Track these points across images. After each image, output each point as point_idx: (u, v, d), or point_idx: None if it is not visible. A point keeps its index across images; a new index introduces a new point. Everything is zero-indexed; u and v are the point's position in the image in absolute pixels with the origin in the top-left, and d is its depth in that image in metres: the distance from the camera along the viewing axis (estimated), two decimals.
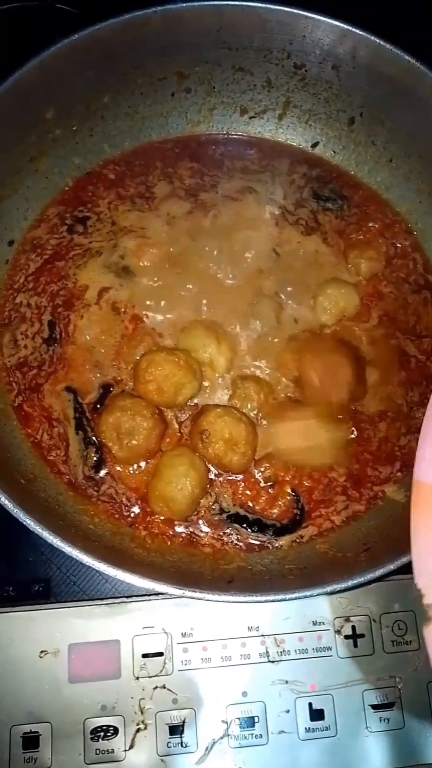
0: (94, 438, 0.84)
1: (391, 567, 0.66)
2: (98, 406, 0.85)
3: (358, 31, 0.86)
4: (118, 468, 0.84)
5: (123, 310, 0.90)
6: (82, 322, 0.89)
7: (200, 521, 0.83)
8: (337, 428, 0.83)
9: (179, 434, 0.86)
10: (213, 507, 0.83)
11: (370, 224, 0.98)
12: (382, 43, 0.85)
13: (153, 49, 0.89)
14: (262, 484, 0.84)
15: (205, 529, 0.82)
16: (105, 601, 0.83)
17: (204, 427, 0.80)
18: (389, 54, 0.86)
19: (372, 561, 0.71)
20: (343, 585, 0.64)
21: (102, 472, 0.83)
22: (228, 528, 0.82)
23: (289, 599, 0.64)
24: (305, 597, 0.64)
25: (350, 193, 1.01)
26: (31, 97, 0.83)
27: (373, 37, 0.85)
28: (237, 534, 0.82)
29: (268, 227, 0.95)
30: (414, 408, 0.89)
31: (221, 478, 0.85)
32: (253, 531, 0.82)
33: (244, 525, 0.82)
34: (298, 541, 0.82)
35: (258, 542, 0.82)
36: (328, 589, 0.64)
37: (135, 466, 0.84)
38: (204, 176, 0.98)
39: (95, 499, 0.82)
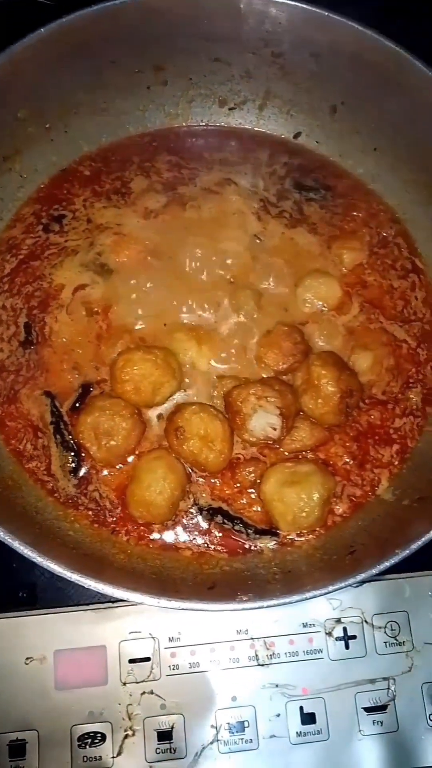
0: (71, 441, 0.82)
1: (373, 571, 0.64)
2: (77, 405, 0.83)
3: (336, 17, 0.83)
4: (98, 471, 0.82)
5: (98, 309, 0.88)
6: (58, 323, 0.87)
7: (180, 524, 0.81)
8: (330, 482, 0.80)
9: (158, 435, 0.84)
10: (191, 509, 0.82)
11: (354, 213, 0.96)
12: (362, 29, 0.82)
13: (127, 41, 0.87)
14: (248, 490, 0.82)
15: (185, 531, 0.81)
16: (91, 607, 0.82)
17: (179, 424, 0.79)
18: (371, 41, 0.83)
19: (356, 564, 0.69)
20: (323, 591, 0.63)
21: (81, 473, 0.82)
22: (208, 524, 0.80)
23: (267, 607, 0.62)
24: (284, 604, 0.63)
25: (334, 182, 0.98)
26: (1, 95, 0.81)
27: (352, 23, 0.82)
28: (218, 531, 0.80)
29: (250, 220, 0.93)
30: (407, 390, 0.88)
31: (200, 480, 0.83)
32: (235, 525, 0.80)
33: (226, 520, 0.80)
34: (283, 542, 0.80)
35: (239, 542, 0.80)
36: (308, 595, 0.63)
37: (114, 468, 0.82)
38: (182, 169, 0.96)
39: (82, 507, 0.81)
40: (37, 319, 0.87)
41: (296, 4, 0.83)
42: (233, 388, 0.81)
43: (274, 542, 0.80)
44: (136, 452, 0.83)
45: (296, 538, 0.81)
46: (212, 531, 0.81)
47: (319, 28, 0.84)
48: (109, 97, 0.93)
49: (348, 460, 0.84)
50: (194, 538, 0.80)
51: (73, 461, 0.82)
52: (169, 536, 0.81)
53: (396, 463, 0.84)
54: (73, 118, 0.92)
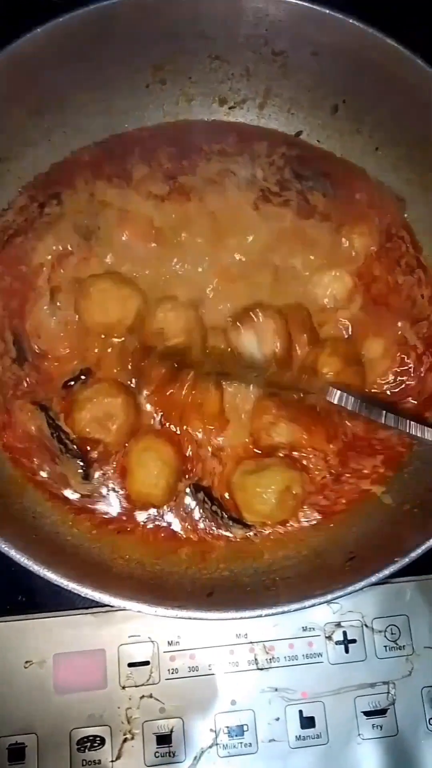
0: (74, 447, 0.82)
1: (373, 579, 0.64)
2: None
3: (337, 15, 0.82)
4: (107, 469, 0.82)
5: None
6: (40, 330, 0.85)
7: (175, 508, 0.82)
8: (289, 473, 0.80)
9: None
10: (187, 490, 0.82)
11: (357, 197, 0.94)
12: (363, 27, 0.81)
13: (125, 40, 0.85)
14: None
15: (180, 512, 0.81)
16: (90, 611, 0.82)
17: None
18: (372, 39, 0.82)
19: (357, 570, 0.69)
20: (321, 600, 0.62)
21: (95, 477, 0.81)
22: (193, 500, 0.81)
23: (265, 616, 0.62)
24: (283, 613, 0.62)
25: (332, 169, 0.96)
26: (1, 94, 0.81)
27: (352, 21, 0.81)
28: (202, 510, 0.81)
29: (252, 210, 0.91)
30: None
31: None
32: (213, 506, 0.80)
33: (206, 498, 0.80)
34: (273, 536, 0.81)
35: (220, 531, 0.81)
36: (306, 604, 0.62)
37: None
38: (183, 160, 0.94)
39: (85, 513, 0.80)
40: (19, 329, 0.85)
41: (296, 1, 0.81)
42: None
43: (249, 532, 0.80)
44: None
45: (290, 543, 0.80)
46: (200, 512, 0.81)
47: (319, 26, 0.83)
48: (107, 96, 0.91)
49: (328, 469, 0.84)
50: (188, 523, 0.81)
51: (81, 469, 0.82)
52: (168, 521, 0.81)
53: (393, 468, 0.84)
54: (72, 117, 0.90)
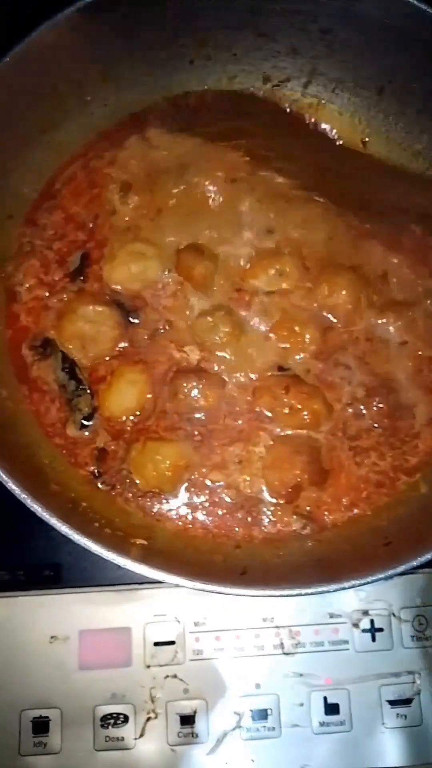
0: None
1: (414, 563, 0.63)
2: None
3: None
4: None
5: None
6: None
7: None
8: None
9: None
10: None
11: None
12: (412, 2, 0.79)
13: (171, 13, 0.84)
14: None
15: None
16: (116, 588, 0.82)
17: None
18: (422, 15, 0.79)
19: (393, 555, 0.68)
20: (362, 581, 0.61)
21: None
22: None
23: (305, 594, 0.61)
24: (321, 593, 0.62)
25: None
26: (42, 65, 0.79)
27: None
28: None
29: None
30: None
31: None
32: None
33: None
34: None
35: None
36: (346, 585, 0.61)
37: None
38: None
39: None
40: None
41: None
42: None
43: None
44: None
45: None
46: None
47: (370, 3, 0.81)
48: (150, 70, 0.89)
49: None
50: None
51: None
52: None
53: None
54: (113, 90, 0.89)
